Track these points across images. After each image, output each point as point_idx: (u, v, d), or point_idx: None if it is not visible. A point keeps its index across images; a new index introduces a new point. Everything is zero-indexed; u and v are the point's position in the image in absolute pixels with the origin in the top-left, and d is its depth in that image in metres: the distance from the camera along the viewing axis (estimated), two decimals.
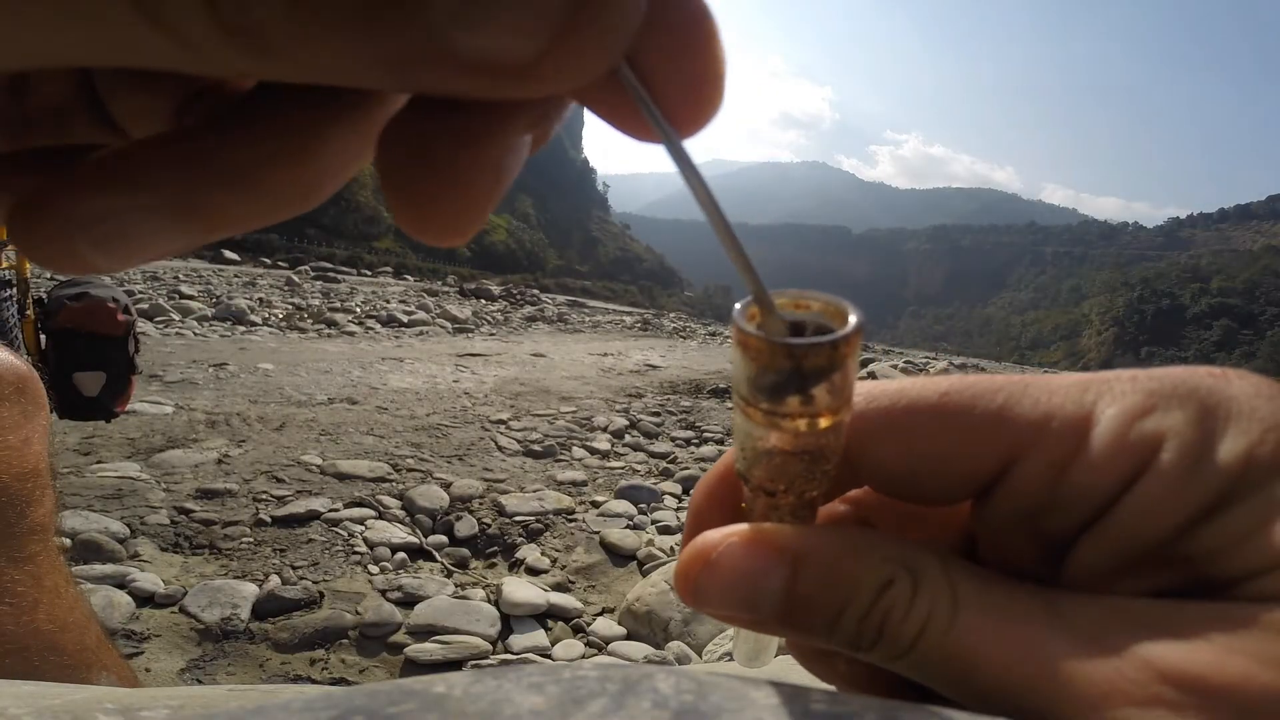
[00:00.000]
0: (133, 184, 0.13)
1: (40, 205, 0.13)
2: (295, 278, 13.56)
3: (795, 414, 0.15)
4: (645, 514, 2.49)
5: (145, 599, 1.62)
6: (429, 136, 0.13)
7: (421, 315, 8.89)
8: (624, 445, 3.41)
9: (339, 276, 15.85)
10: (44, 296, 1.88)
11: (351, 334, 7.03)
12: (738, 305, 0.15)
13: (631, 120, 0.13)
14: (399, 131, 0.13)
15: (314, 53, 0.10)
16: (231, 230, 0.13)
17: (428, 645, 1.58)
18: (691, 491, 0.22)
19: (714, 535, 0.18)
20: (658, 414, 4.19)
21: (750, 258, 0.14)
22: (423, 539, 2.09)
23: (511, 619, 1.75)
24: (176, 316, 6.60)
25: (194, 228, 0.13)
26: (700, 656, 1.66)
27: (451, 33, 0.10)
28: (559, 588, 1.95)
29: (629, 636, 1.76)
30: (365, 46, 0.10)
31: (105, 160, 0.13)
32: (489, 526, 2.21)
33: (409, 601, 1.75)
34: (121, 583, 1.64)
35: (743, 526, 0.18)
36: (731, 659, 0.25)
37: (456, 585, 1.88)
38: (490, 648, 1.62)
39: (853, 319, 0.14)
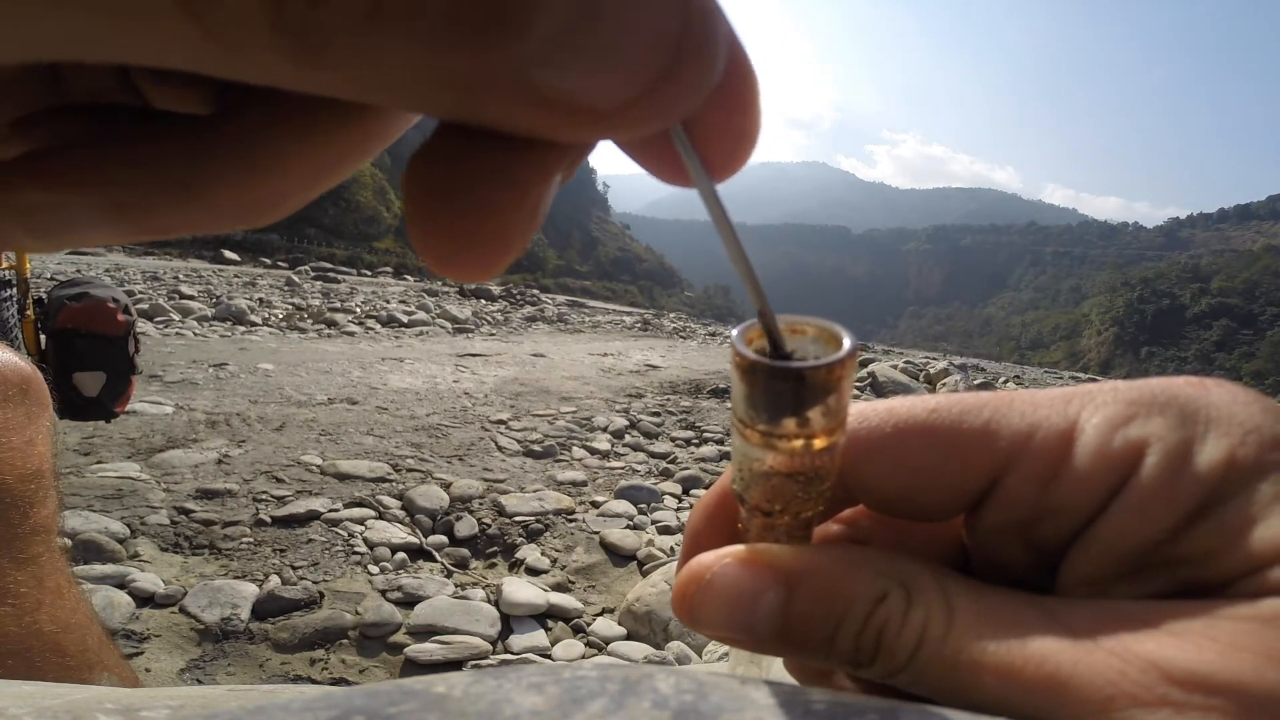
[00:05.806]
0: (71, 182, 0.13)
1: None
2: (295, 278, 13.56)
3: (791, 435, 0.15)
4: (645, 514, 2.49)
5: (145, 599, 1.62)
6: (467, 173, 0.12)
7: (421, 315, 8.89)
8: (624, 445, 3.41)
9: (339, 276, 15.85)
10: (44, 296, 1.87)
11: (351, 334, 7.03)
12: (735, 330, 0.16)
13: (666, 165, 0.13)
14: (432, 165, 0.12)
15: (378, 66, 0.09)
16: (171, 233, 0.14)
17: (428, 645, 1.58)
18: (689, 514, 0.22)
19: (709, 557, 0.18)
20: (658, 414, 4.19)
21: (762, 283, 0.14)
22: (423, 539, 2.09)
23: (511, 619, 1.75)
24: (176, 316, 6.60)
25: (127, 227, 0.13)
26: (700, 656, 1.66)
27: (543, 66, 0.09)
28: (559, 588, 1.94)
29: (629, 636, 1.76)
30: (440, 67, 0.09)
31: (51, 158, 0.13)
32: (489, 526, 2.21)
33: (409, 601, 1.75)
34: (121, 583, 1.63)
35: (738, 548, 0.18)
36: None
37: (456, 585, 1.88)
38: (490, 648, 1.62)
39: (847, 343, 0.15)
